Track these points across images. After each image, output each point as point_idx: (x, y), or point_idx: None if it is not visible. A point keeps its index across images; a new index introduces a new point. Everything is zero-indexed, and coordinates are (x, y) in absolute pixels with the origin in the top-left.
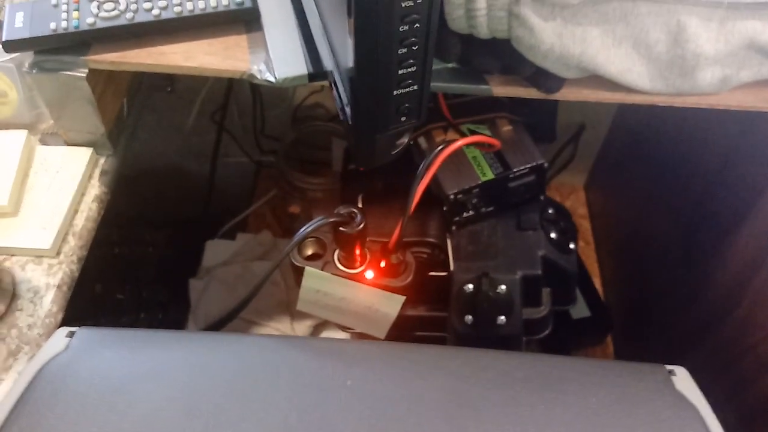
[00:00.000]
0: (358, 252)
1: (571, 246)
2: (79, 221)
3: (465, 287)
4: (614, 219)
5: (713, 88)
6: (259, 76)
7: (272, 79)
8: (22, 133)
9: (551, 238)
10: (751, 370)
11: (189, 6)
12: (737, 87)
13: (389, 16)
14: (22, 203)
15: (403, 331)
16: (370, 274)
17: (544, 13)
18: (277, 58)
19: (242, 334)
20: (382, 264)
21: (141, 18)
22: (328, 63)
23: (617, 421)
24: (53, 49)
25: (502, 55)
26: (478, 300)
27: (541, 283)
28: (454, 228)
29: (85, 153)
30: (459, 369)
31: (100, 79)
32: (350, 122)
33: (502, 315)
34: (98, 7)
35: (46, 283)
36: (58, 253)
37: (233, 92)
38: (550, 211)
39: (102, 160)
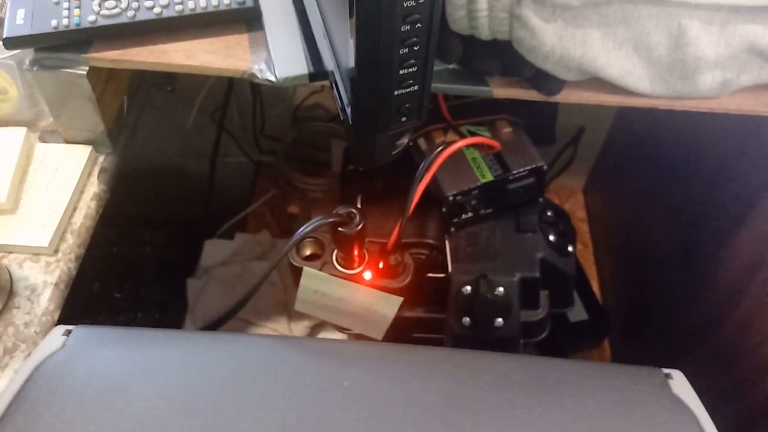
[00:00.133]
0: (356, 252)
1: (570, 249)
2: (78, 219)
3: (463, 289)
4: (613, 222)
5: (713, 92)
6: (260, 76)
7: (273, 79)
8: (22, 131)
9: (550, 241)
10: (751, 372)
11: (191, 4)
12: (737, 91)
13: (391, 15)
14: (21, 200)
15: (400, 332)
16: (368, 275)
17: (545, 15)
18: (278, 57)
19: (240, 333)
20: (381, 265)
21: (142, 16)
22: (329, 63)
23: (614, 424)
24: (54, 46)
25: (502, 56)
26: (475, 302)
27: (539, 285)
28: (452, 229)
29: (85, 151)
30: (456, 371)
31: (100, 77)
32: (351, 122)
33: (499, 317)
34: (100, 5)
35: (43, 281)
36: (56, 251)
37: (233, 92)
38: (549, 214)
39: (101, 158)
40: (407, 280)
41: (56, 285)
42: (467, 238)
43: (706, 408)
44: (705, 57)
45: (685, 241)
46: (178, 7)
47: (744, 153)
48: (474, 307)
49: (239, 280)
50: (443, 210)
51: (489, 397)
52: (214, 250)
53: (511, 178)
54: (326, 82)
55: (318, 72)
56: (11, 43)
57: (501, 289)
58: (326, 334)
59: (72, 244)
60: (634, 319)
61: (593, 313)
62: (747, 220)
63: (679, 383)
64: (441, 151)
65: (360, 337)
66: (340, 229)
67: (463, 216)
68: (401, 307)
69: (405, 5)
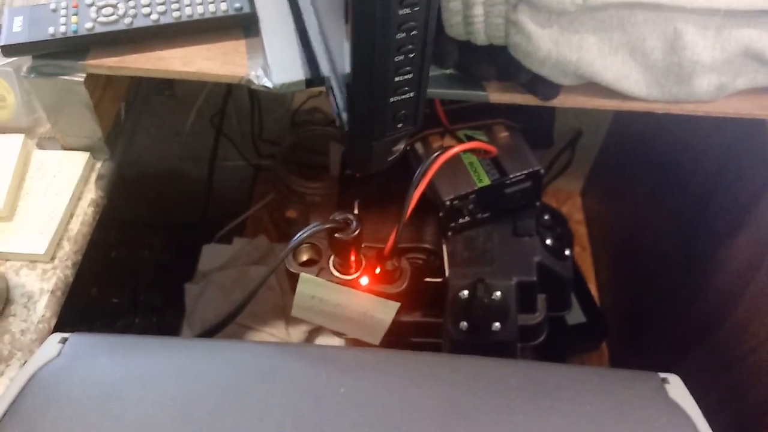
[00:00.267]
0: (353, 258)
1: (567, 252)
2: (75, 226)
3: (460, 293)
4: (610, 224)
5: (710, 96)
6: (256, 82)
7: (270, 85)
8: (19, 137)
9: (547, 245)
10: (750, 373)
11: (188, 11)
12: (733, 94)
13: (386, 23)
14: (18, 207)
15: (398, 337)
16: (365, 281)
17: (541, 21)
18: (274, 63)
19: (236, 340)
20: (378, 270)
21: (140, 23)
22: (325, 69)
23: (611, 429)
24: (52, 53)
25: (499, 61)
26: (473, 306)
27: (537, 289)
28: (450, 234)
29: (82, 157)
30: (453, 377)
31: (98, 84)
32: (347, 129)
33: (497, 321)
34: (97, 12)
35: (40, 288)
36: (53, 258)
37: (232, 96)
38: (546, 217)
39: (99, 165)
40: (404, 285)
41: (53, 292)
42: (464, 243)
43: (704, 410)
44: (701, 61)
45: (683, 244)
46: (176, 14)
47: (741, 156)
48: (471, 312)
49: (237, 284)
50: (440, 214)
51: (486, 403)
52: (212, 255)
53: (508, 182)
54: (323, 88)
55: (315, 78)
56: (9, 50)
57: (498, 293)
58: (324, 339)
59: (69, 251)
60: (632, 322)
61: (591, 316)
62: (744, 223)
63: (676, 387)
64: (438, 155)
65: (357, 342)
66: (336, 235)
67: (460, 220)
68: (399, 312)
69: (400, 13)
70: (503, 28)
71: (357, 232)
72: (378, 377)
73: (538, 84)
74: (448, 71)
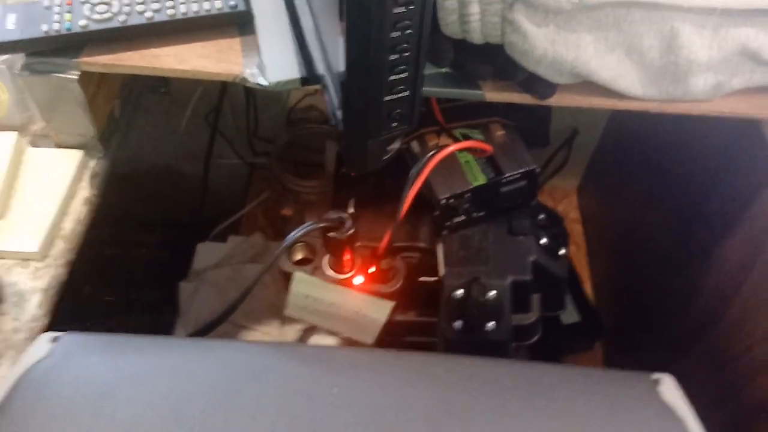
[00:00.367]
0: (347, 257)
1: (562, 252)
2: (68, 224)
3: (455, 293)
4: (606, 223)
5: (706, 95)
6: (251, 80)
7: (265, 83)
8: (13, 135)
9: (542, 244)
10: (744, 372)
11: (182, 9)
12: (729, 94)
13: (381, 22)
14: (11, 205)
15: (392, 336)
16: (359, 280)
17: (537, 19)
18: (270, 61)
19: (229, 340)
20: (372, 269)
21: (134, 21)
22: (320, 67)
23: (603, 429)
24: (45, 51)
25: (495, 60)
26: (467, 306)
27: (531, 288)
28: (445, 233)
29: (76, 155)
30: (447, 376)
31: (92, 82)
32: (342, 127)
33: (491, 321)
34: (91, 10)
35: (32, 287)
36: (46, 257)
37: (227, 94)
38: (541, 217)
39: (93, 163)
40: (399, 285)
41: (45, 291)
42: (459, 242)
43: (699, 410)
44: (697, 60)
45: (678, 243)
46: (170, 12)
47: (736, 155)
48: (466, 311)
49: (231, 283)
50: (435, 213)
51: (480, 403)
52: (206, 253)
53: (503, 181)
54: (318, 86)
55: (310, 76)
56: (2, 48)
57: (493, 292)
58: (318, 338)
59: (62, 250)
60: (626, 321)
61: (586, 315)
62: (739, 222)
63: (669, 388)
64: (434, 154)
65: (352, 341)
66: (330, 234)
67: (456, 219)
68: (393, 311)
69: (395, 11)
70: (499, 27)
71: (351, 232)
72: (371, 377)
73: (534, 83)
74: (443, 70)
